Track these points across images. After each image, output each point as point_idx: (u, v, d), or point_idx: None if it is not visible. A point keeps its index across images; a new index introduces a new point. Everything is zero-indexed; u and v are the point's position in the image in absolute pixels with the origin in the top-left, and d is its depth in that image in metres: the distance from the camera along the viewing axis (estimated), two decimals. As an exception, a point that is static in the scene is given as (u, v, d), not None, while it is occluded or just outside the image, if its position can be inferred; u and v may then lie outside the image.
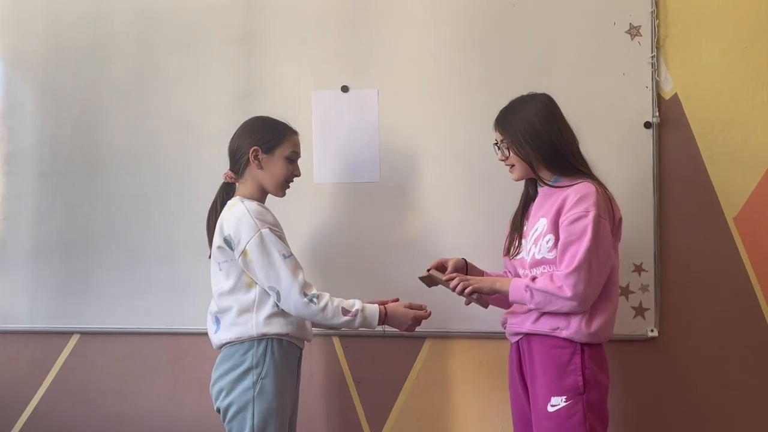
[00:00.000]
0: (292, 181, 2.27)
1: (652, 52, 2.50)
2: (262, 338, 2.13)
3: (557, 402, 2.02)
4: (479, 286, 2.11)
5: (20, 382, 2.77)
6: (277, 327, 2.14)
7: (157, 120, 2.73)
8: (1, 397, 2.77)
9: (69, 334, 2.76)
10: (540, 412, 2.05)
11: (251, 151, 2.21)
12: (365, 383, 2.63)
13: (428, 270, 2.22)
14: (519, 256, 2.18)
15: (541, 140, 2.09)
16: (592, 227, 1.99)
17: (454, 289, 2.14)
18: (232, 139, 2.27)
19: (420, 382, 2.61)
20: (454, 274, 2.18)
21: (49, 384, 2.77)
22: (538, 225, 2.11)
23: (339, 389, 2.63)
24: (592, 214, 2.00)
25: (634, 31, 2.51)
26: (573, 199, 2.03)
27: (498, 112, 2.17)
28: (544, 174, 2.12)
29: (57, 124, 2.79)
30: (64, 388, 2.76)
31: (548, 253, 2.07)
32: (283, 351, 2.15)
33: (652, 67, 2.50)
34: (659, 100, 2.50)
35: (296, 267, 2.13)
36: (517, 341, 2.17)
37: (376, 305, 2.19)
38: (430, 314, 2.26)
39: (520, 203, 2.24)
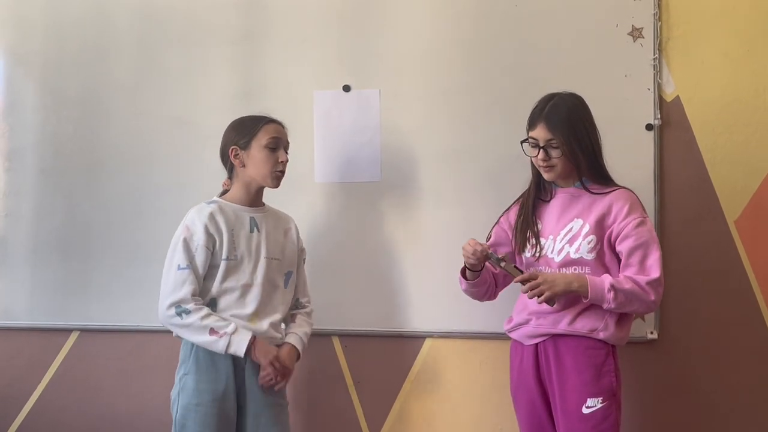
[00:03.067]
0: (282, 168, 2.26)
1: (654, 54, 2.50)
2: None
3: (594, 403, 2.04)
4: (553, 292, 2.03)
5: (19, 378, 2.77)
6: None
7: (158, 119, 2.73)
8: (0, 394, 2.77)
9: (68, 331, 2.76)
10: (572, 415, 2.05)
11: (230, 151, 2.27)
12: (364, 383, 2.63)
13: (502, 261, 2.10)
14: (541, 256, 2.16)
15: (588, 142, 2.12)
16: (655, 235, 2.10)
17: (526, 293, 2.07)
18: (220, 145, 2.32)
19: (419, 382, 2.61)
20: (527, 276, 2.07)
21: (48, 381, 2.77)
22: (572, 225, 2.13)
23: (338, 389, 2.63)
24: (649, 221, 2.12)
25: (636, 33, 2.51)
26: (623, 204, 2.10)
27: (536, 109, 2.14)
28: (583, 176, 2.15)
29: (58, 122, 2.79)
30: (63, 385, 2.76)
31: (587, 253, 2.10)
32: (209, 349, 2.16)
33: (654, 69, 2.50)
34: (661, 102, 2.50)
35: (184, 281, 2.15)
36: (536, 343, 2.14)
37: (250, 333, 2.14)
38: (281, 377, 2.20)
39: (527, 202, 2.23)
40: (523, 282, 2.07)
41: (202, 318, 2.13)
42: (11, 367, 2.78)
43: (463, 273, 2.23)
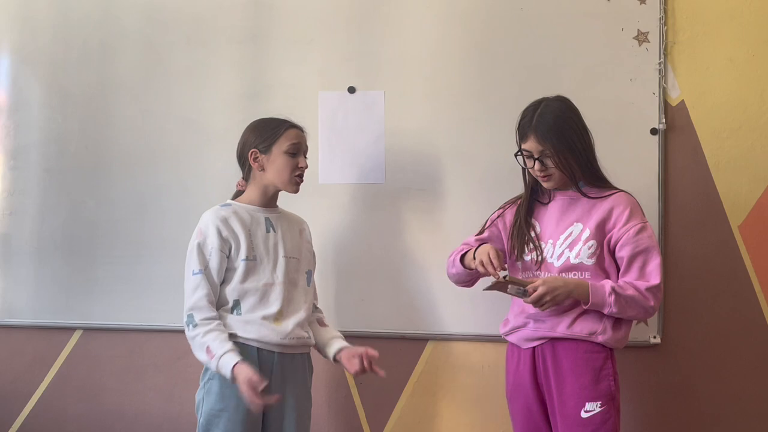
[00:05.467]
0: (300, 174, 2.25)
1: (659, 59, 2.50)
2: None
3: (592, 407, 2.03)
4: (554, 304, 2.03)
5: (22, 377, 2.78)
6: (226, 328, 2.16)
7: (163, 118, 2.73)
8: (3, 392, 2.78)
9: (72, 329, 2.77)
10: (571, 419, 2.04)
11: (250, 154, 2.24)
12: (366, 384, 2.62)
13: (505, 278, 2.02)
14: (542, 260, 2.14)
15: (580, 147, 2.10)
16: (655, 240, 2.09)
17: (530, 299, 2.03)
18: (237, 146, 2.30)
19: (421, 384, 2.61)
20: (532, 290, 2.02)
21: (51, 379, 2.77)
22: (572, 229, 2.13)
23: (340, 390, 2.63)
24: (649, 227, 2.10)
25: (642, 37, 2.51)
26: (623, 209, 2.09)
27: (524, 120, 2.12)
28: (579, 181, 2.13)
29: (63, 121, 2.80)
30: (65, 383, 2.76)
31: (588, 258, 2.09)
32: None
33: (659, 74, 2.50)
34: (666, 107, 2.50)
35: (197, 286, 2.14)
36: (534, 347, 2.13)
37: (236, 360, 2.04)
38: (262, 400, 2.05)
39: (520, 210, 2.22)
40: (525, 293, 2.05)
41: (204, 334, 2.09)
42: (14, 365, 2.79)
43: (461, 259, 2.22)
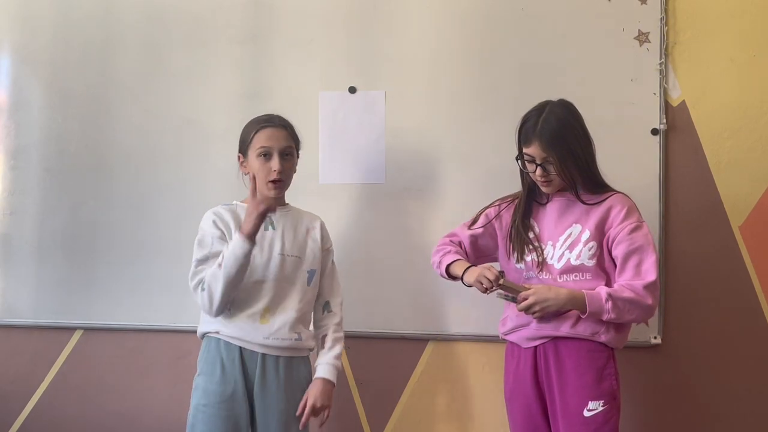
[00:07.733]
0: (276, 177, 2.19)
1: (660, 59, 2.50)
2: (204, 336, 2.23)
3: (595, 407, 2.04)
4: (544, 314, 2.07)
5: (23, 376, 2.78)
6: (208, 325, 2.20)
7: (164, 118, 2.73)
8: (3, 392, 2.77)
9: (72, 329, 2.76)
10: (573, 418, 2.05)
11: (238, 158, 2.28)
12: (367, 384, 2.63)
13: (500, 283, 2.07)
14: (543, 262, 2.14)
15: (581, 155, 2.10)
16: (651, 239, 2.09)
17: (520, 307, 2.07)
18: None
19: (422, 384, 2.61)
20: (522, 296, 2.07)
21: (51, 379, 2.77)
22: (571, 231, 2.13)
23: (340, 390, 2.62)
24: (645, 226, 2.10)
25: (642, 38, 2.51)
26: (620, 210, 2.10)
27: (528, 124, 2.10)
28: (578, 186, 2.13)
29: (63, 121, 2.79)
30: (66, 383, 2.76)
31: (588, 260, 2.10)
32: (218, 350, 2.16)
33: (660, 74, 2.50)
34: (667, 107, 2.50)
35: (199, 264, 2.18)
36: (536, 346, 2.13)
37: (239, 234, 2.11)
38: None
39: (519, 207, 2.22)
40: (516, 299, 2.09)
41: (208, 276, 2.12)
42: (14, 365, 2.78)
43: (447, 269, 2.22)
